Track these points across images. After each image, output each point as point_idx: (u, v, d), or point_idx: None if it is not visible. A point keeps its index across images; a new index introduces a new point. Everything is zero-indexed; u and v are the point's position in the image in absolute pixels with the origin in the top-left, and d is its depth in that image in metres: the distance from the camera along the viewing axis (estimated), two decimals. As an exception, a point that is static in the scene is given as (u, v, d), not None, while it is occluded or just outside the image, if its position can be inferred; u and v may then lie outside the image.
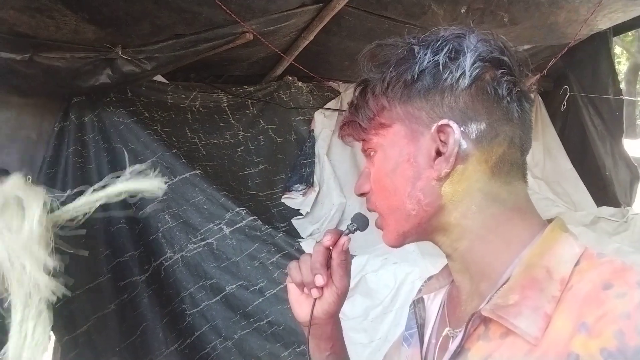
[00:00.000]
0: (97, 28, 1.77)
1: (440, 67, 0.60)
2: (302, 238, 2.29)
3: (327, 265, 0.74)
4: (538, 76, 2.75)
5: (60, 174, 2.25)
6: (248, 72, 2.83)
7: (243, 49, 2.33)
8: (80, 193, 2.26)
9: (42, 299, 0.83)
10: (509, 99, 0.61)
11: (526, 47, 2.50)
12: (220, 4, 1.77)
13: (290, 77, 2.87)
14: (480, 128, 0.60)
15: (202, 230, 2.17)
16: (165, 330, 2.19)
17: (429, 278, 0.79)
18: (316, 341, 0.82)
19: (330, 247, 0.75)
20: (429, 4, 2.00)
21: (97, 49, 1.95)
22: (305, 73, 2.69)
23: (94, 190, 0.99)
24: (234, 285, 2.15)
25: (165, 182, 2.22)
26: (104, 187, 0.99)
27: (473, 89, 0.60)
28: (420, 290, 0.79)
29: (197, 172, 2.23)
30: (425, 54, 0.60)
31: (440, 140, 0.60)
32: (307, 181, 2.64)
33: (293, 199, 2.59)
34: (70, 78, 2.07)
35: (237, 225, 2.16)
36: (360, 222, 0.77)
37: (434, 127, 0.60)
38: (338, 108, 3.00)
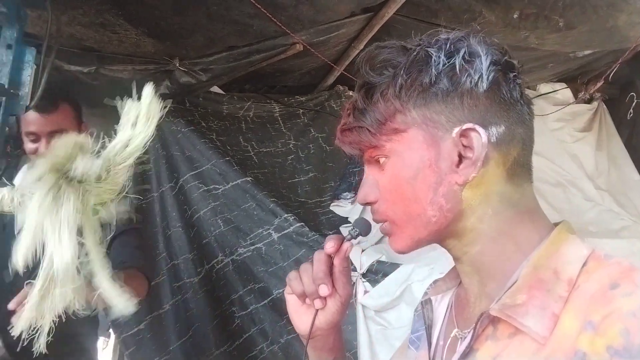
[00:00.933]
0: (156, 41, 1.89)
1: (457, 70, 0.59)
2: (350, 246, 2.29)
3: (330, 273, 0.71)
4: (600, 83, 2.62)
5: (123, 179, 2.39)
6: (300, 83, 2.89)
7: (294, 59, 2.39)
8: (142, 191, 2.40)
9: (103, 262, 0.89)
10: (521, 102, 0.61)
11: (586, 52, 2.40)
12: (270, 15, 1.83)
13: (341, 87, 2.90)
14: (500, 131, 0.60)
15: (251, 235, 2.23)
16: (215, 331, 2.27)
17: (436, 280, 0.78)
18: (317, 353, 0.79)
19: (332, 255, 0.71)
20: (480, 10, 1.97)
21: (156, 61, 2.08)
22: (355, 83, 2.71)
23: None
24: (281, 290, 2.19)
25: (218, 189, 2.32)
26: None
27: (490, 92, 0.60)
28: (426, 292, 0.77)
29: (249, 178, 2.30)
30: (439, 57, 0.60)
31: (463, 145, 0.59)
32: (356, 189, 2.64)
33: (341, 207, 2.60)
34: (132, 89, 2.21)
35: (285, 231, 2.21)
36: (363, 227, 0.74)
37: (456, 131, 0.59)
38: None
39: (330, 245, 0.71)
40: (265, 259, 2.25)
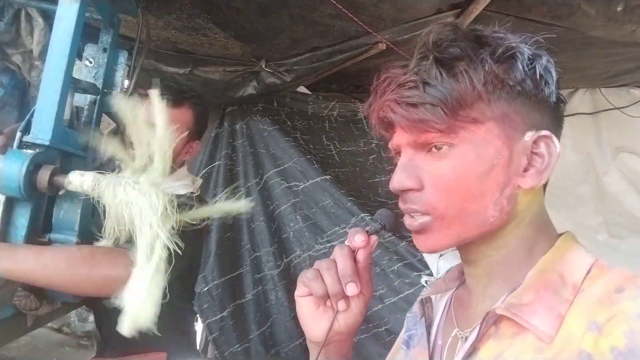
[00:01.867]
0: (243, 44, 1.98)
1: (538, 75, 0.58)
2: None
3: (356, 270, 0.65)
4: None
5: (214, 173, 2.55)
6: (385, 82, 2.87)
7: (378, 58, 2.37)
8: (234, 190, 2.54)
9: (161, 258, 0.96)
10: (563, 119, 0.64)
11: None
12: (350, 15, 1.85)
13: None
14: (558, 143, 0.61)
15: (328, 233, 2.27)
16: (292, 324, 2.33)
17: (437, 279, 0.78)
18: None
19: (357, 250, 0.66)
20: (578, 3, 1.81)
21: (244, 62, 2.19)
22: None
23: (198, 209, 1.17)
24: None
25: (299, 186, 2.38)
26: (209, 204, 1.17)
27: (555, 106, 0.62)
28: (423, 292, 0.77)
29: (328, 177, 2.34)
30: (525, 57, 0.57)
31: (532, 151, 0.58)
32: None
33: (423, 209, 2.54)
34: (223, 89, 2.35)
35: (361, 231, 2.20)
36: (387, 220, 0.69)
37: (530, 135, 0.58)
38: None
39: (360, 239, 0.65)
40: (340, 257, 2.27)
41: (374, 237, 0.67)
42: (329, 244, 2.27)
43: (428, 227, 0.60)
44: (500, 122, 0.57)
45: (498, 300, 0.59)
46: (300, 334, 2.37)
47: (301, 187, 2.35)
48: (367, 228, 0.67)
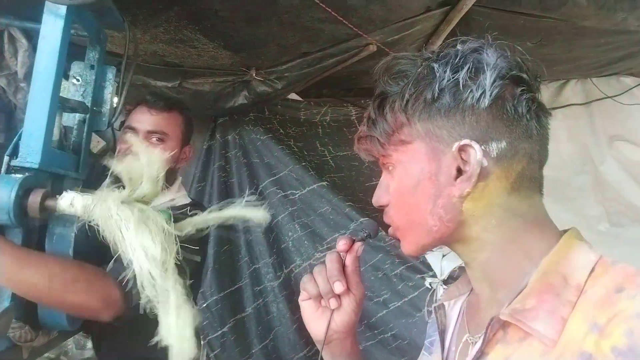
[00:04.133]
0: (232, 53, 1.95)
1: (461, 86, 0.61)
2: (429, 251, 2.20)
3: (343, 271, 0.74)
4: None
5: (207, 187, 2.51)
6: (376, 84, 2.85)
7: (369, 61, 2.35)
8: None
9: (179, 295, 0.93)
10: (528, 116, 0.62)
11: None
12: (340, 18, 1.82)
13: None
14: (501, 147, 0.61)
15: (327, 240, 2.23)
16: (295, 336, 2.29)
17: (449, 285, 0.79)
18: (336, 359, 0.79)
19: (343, 254, 0.75)
20: (569, -7, 1.80)
21: (234, 72, 2.15)
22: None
23: (210, 211, 1.11)
24: (360, 296, 2.16)
25: (295, 194, 2.35)
26: (219, 209, 1.11)
27: (493, 107, 0.61)
28: (439, 298, 0.79)
29: (324, 183, 2.31)
30: (445, 72, 0.61)
31: (462, 159, 0.61)
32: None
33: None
34: (213, 100, 2.31)
35: (362, 236, 2.17)
36: (372, 229, 0.78)
37: (456, 146, 0.61)
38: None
39: (342, 243, 0.75)
40: (342, 264, 2.23)
41: (357, 244, 0.76)
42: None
43: (395, 235, 0.69)
44: (426, 139, 0.63)
45: (505, 304, 0.60)
46: (304, 345, 2.32)
47: (298, 195, 2.31)
48: (354, 236, 0.77)
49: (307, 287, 0.74)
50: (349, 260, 0.74)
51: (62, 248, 1.03)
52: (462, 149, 0.61)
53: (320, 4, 1.68)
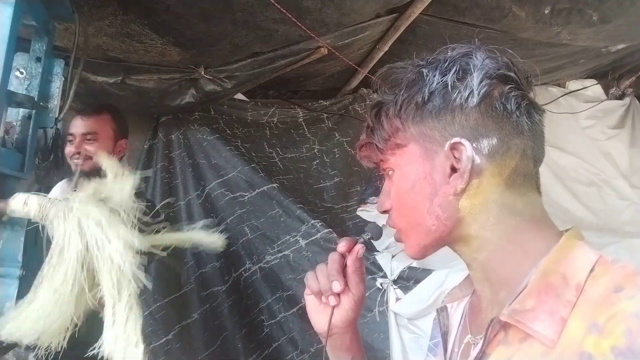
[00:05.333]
0: (182, 50, 1.88)
1: (449, 87, 0.63)
2: (378, 251, 2.25)
3: (343, 273, 0.77)
4: (633, 78, 2.53)
5: (149, 189, 2.40)
6: (323, 87, 2.86)
7: (318, 63, 2.36)
8: (168, 205, 2.40)
9: (132, 294, 0.88)
10: (517, 113, 0.63)
11: (619, 47, 2.31)
12: (295, 20, 1.81)
13: (365, 90, 2.86)
14: (492, 143, 0.62)
15: (278, 242, 2.21)
16: (245, 340, 2.24)
17: (453, 288, 0.80)
18: (336, 352, 0.83)
19: (345, 255, 0.78)
20: (510, 6, 1.91)
21: (181, 70, 2.08)
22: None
23: (165, 232, 1.07)
24: (310, 298, 2.16)
25: (244, 196, 2.31)
26: (176, 230, 1.07)
27: (482, 106, 0.62)
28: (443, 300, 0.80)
29: (275, 185, 2.28)
30: (434, 76, 0.64)
31: (454, 157, 0.63)
32: (384, 194, 2.59)
33: (368, 212, 2.56)
34: (158, 98, 2.22)
35: (313, 238, 2.17)
36: (375, 232, 0.81)
37: (447, 145, 0.63)
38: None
39: (342, 245, 0.77)
40: (293, 266, 2.22)
41: (359, 246, 0.78)
42: (280, 254, 2.21)
43: (399, 238, 0.71)
44: (419, 140, 0.65)
45: (505, 305, 0.60)
46: (254, 349, 2.28)
47: (247, 197, 2.27)
48: (357, 238, 0.79)
49: (309, 284, 0.78)
50: (349, 261, 0.77)
51: (10, 255, 0.95)
52: (453, 147, 0.63)
53: (275, 5, 1.67)
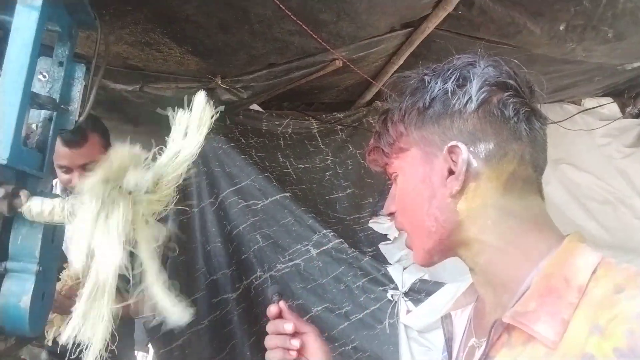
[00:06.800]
0: (199, 59, 1.92)
1: (449, 93, 0.66)
2: (390, 264, 2.25)
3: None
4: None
5: (164, 195, 2.43)
6: (337, 99, 2.89)
7: (332, 76, 2.39)
8: (184, 208, 2.43)
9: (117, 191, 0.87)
10: (516, 119, 0.65)
11: (635, 65, 2.30)
12: (311, 32, 1.85)
13: (379, 103, 2.88)
14: (489, 147, 0.64)
15: (290, 251, 2.22)
16: (253, 349, 2.25)
17: (457, 296, 0.82)
18: None
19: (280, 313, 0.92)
20: (524, 22, 1.92)
21: (198, 79, 2.12)
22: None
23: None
24: (320, 308, 2.16)
25: (257, 204, 2.33)
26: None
27: (480, 112, 0.65)
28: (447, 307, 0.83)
29: (287, 194, 2.30)
30: (436, 83, 0.67)
31: (452, 160, 0.65)
32: (396, 206, 2.60)
33: (380, 224, 2.56)
34: (175, 107, 2.26)
35: (324, 248, 2.18)
36: (277, 291, 0.98)
37: (445, 148, 0.66)
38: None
39: (272, 311, 0.94)
40: (303, 275, 2.23)
41: (280, 303, 0.95)
42: (291, 263, 2.22)
43: (408, 243, 0.74)
44: (420, 145, 0.69)
45: (508, 308, 0.61)
46: (261, 358, 2.28)
47: (260, 205, 2.29)
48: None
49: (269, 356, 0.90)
50: (285, 314, 0.91)
51: (28, 250, 0.97)
52: (451, 150, 0.65)
53: (292, 17, 1.70)
